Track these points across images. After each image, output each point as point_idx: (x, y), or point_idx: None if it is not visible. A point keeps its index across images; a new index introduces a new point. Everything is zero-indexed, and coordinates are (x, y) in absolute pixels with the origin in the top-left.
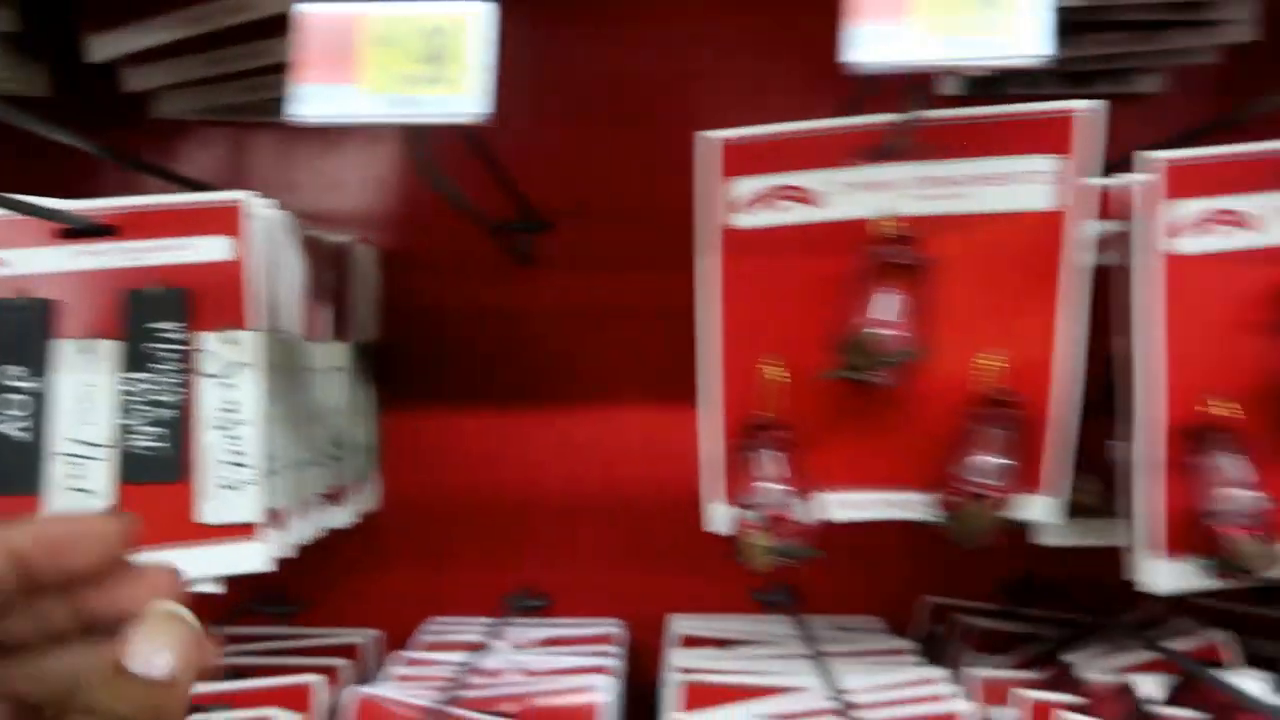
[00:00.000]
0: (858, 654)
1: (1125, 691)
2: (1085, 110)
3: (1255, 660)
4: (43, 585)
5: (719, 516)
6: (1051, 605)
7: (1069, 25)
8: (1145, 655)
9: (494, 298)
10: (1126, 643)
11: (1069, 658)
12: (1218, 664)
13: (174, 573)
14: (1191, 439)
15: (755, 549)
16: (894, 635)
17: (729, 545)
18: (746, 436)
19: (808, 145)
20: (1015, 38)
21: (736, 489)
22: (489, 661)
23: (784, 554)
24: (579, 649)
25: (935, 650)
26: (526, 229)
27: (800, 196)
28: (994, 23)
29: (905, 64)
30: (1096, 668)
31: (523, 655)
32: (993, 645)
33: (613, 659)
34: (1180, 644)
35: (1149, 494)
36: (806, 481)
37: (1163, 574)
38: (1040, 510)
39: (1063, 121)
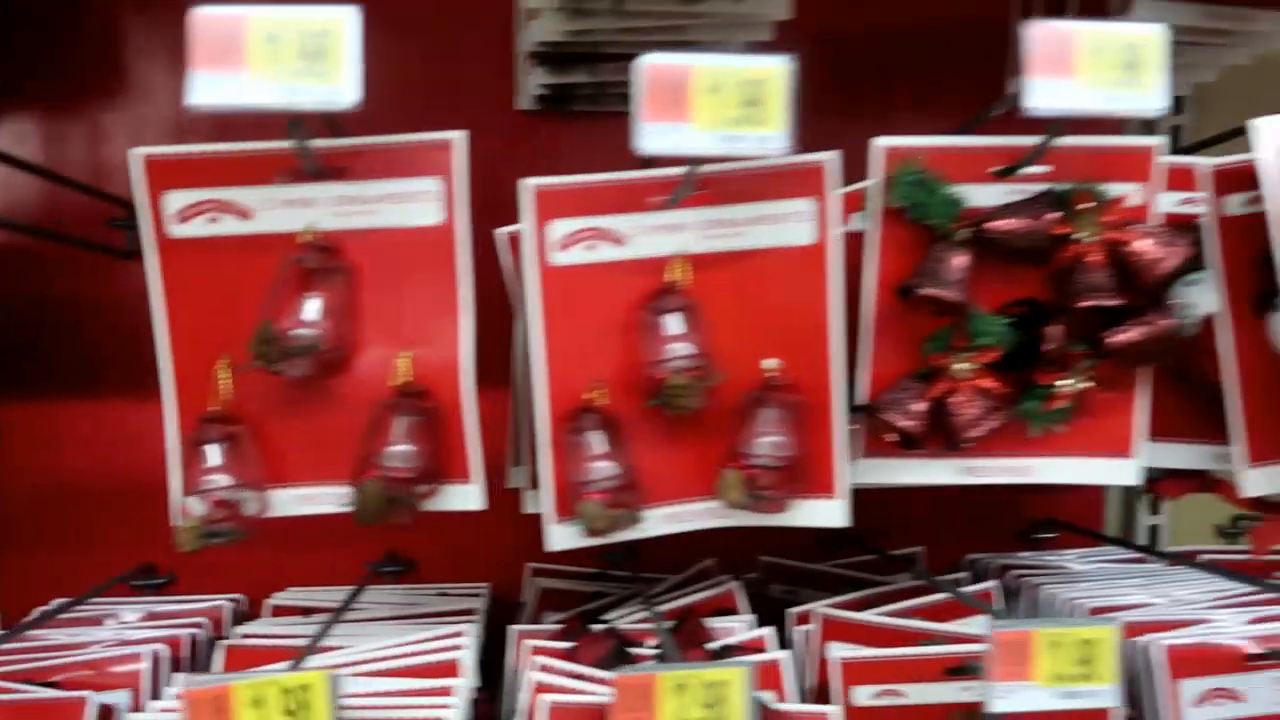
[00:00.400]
0: (421, 616)
1: (609, 636)
2: (458, 138)
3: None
4: None
5: (177, 505)
6: (643, 568)
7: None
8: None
9: (103, 290)
10: (655, 600)
11: (612, 614)
12: (730, 611)
13: None
14: (572, 420)
15: (187, 532)
16: (483, 598)
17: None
18: (199, 430)
19: (237, 164)
20: (335, 88)
21: (192, 478)
22: (94, 636)
23: (212, 536)
24: (180, 622)
25: (521, 611)
26: (129, 225)
27: (233, 210)
28: (321, 74)
29: (243, 106)
30: (621, 620)
31: (128, 631)
32: (561, 604)
33: (201, 630)
34: (702, 595)
35: (544, 468)
36: (254, 472)
37: (557, 535)
38: (463, 499)
39: (442, 148)
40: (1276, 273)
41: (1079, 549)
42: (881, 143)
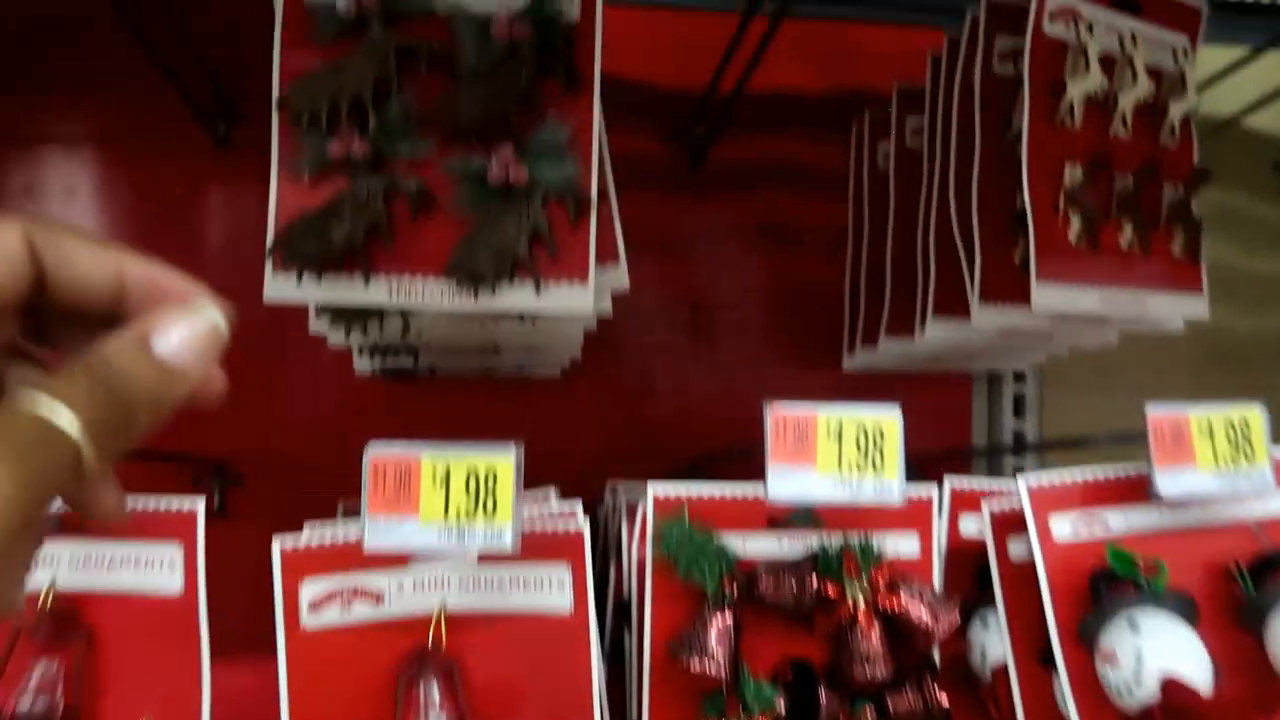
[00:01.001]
0: None
1: None
2: (200, 507)
3: None
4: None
5: None
6: None
7: None
8: None
9: None
10: None
11: None
12: None
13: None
14: None
15: None
16: None
17: None
18: None
19: None
20: None
21: None
22: None
23: None
24: None
25: None
26: None
27: None
28: None
29: None
30: None
31: None
32: None
33: None
34: None
35: None
36: None
37: None
38: None
39: (189, 517)
40: (1050, 633)
41: None
42: (651, 490)
